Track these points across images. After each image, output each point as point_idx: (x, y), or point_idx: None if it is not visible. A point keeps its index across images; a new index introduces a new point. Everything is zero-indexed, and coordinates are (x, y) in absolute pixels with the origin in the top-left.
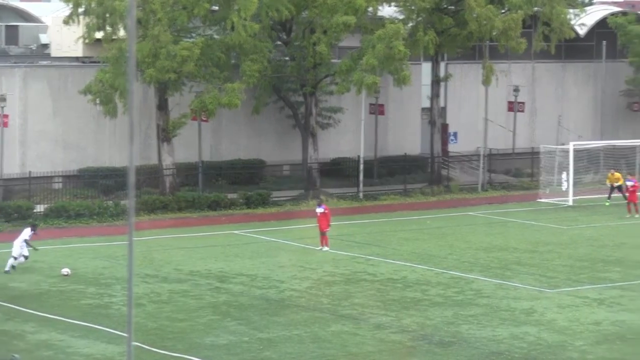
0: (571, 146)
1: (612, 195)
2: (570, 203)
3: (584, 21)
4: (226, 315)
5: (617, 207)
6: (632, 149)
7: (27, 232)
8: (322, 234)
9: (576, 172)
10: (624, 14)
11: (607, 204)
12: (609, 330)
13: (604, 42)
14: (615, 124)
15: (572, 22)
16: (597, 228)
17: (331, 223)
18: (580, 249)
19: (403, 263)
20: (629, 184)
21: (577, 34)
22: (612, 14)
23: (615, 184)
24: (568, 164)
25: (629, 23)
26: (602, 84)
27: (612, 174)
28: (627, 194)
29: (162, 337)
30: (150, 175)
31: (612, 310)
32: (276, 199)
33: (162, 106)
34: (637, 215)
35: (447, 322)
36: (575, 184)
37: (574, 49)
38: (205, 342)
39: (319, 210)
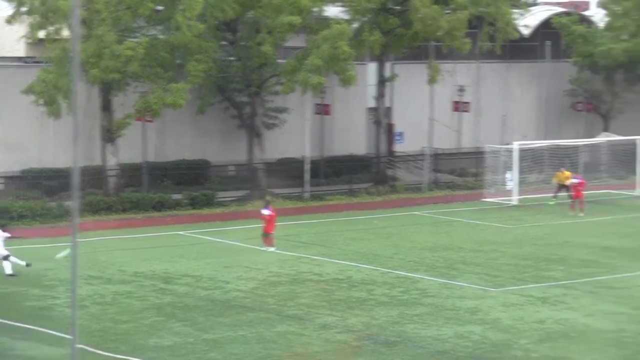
0: (516, 146)
1: (559, 194)
2: (515, 202)
3: (528, 21)
4: (171, 317)
5: (561, 206)
6: (576, 148)
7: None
8: (266, 236)
9: (521, 171)
10: (567, 14)
11: (552, 203)
12: (553, 328)
13: (548, 43)
14: (558, 124)
15: (517, 22)
16: (541, 227)
17: (277, 224)
18: (525, 248)
19: (349, 263)
20: (575, 181)
21: (521, 34)
22: (556, 15)
23: (567, 182)
24: (513, 164)
25: (572, 23)
26: (546, 84)
27: (562, 172)
28: (572, 192)
29: (106, 338)
30: (94, 176)
31: (555, 309)
32: (221, 199)
33: (106, 107)
34: (580, 214)
35: (393, 322)
36: (519, 183)
37: (519, 49)
38: (149, 343)
39: (265, 212)
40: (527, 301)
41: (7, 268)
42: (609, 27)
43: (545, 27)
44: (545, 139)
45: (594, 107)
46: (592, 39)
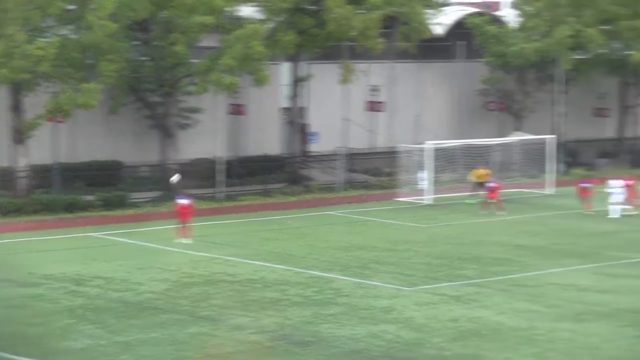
0: (429, 145)
1: (477, 192)
2: (429, 202)
3: (441, 21)
4: (82, 319)
5: (474, 205)
6: (488, 147)
7: None
8: (183, 225)
9: (434, 171)
10: (480, 14)
11: (471, 201)
12: (466, 326)
13: (461, 42)
14: (471, 123)
15: (430, 22)
16: (454, 226)
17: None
18: (438, 247)
19: (262, 263)
20: (491, 185)
21: (435, 34)
22: (469, 15)
23: (485, 182)
24: (426, 163)
25: (485, 23)
26: (459, 84)
27: (478, 170)
28: (487, 193)
29: (16, 342)
30: (3, 178)
31: (468, 307)
32: (134, 200)
33: (16, 107)
34: (501, 213)
35: (307, 322)
36: (433, 182)
37: (432, 49)
38: (61, 346)
39: (184, 201)
40: (440, 300)
41: None
42: (521, 27)
43: (459, 27)
44: (458, 139)
45: (506, 107)
46: (504, 39)
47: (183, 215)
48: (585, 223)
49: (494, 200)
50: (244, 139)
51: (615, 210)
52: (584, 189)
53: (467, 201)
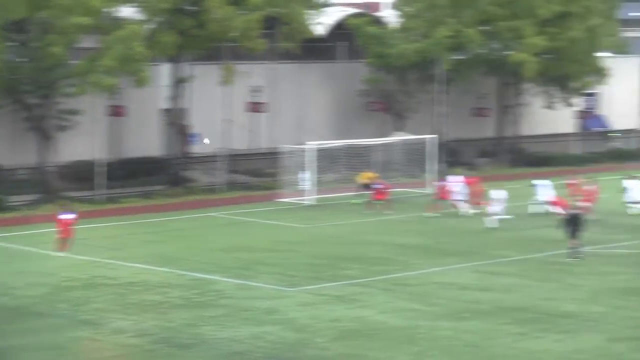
0: (311, 146)
1: (361, 192)
2: (311, 202)
3: (323, 22)
4: None
5: (360, 205)
6: (370, 147)
7: None
8: (63, 240)
9: (316, 171)
10: (361, 15)
11: (355, 201)
12: (349, 326)
13: (343, 43)
14: (353, 124)
15: (312, 23)
16: (337, 226)
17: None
18: (321, 247)
19: (143, 266)
20: (378, 187)
21: (316, 35)
22: (350, 15)
23: (371, 184)
24: (309, 164)
25: (366, 24)
26: (341, 85)
27: (365, 173)
28: (374, 193)
29: None
30: None
31: (351, 307)
32: (12, 203)
33: None
34: (386, 212)
35: (188, 324)
36: (315, 183)
37: (314, 49)
38: None
39: (65, 216)
40: (323, 300)
41: None
42: (401, 28)
43: (340, 28)
44: (340, 139)
45: (387, 107)
46: (385, 39)
47: (65, 231)
48: (466, 222)
49: (381, 201)
50: (124, 140)
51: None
52: (442, 189)
53: (352, 201)
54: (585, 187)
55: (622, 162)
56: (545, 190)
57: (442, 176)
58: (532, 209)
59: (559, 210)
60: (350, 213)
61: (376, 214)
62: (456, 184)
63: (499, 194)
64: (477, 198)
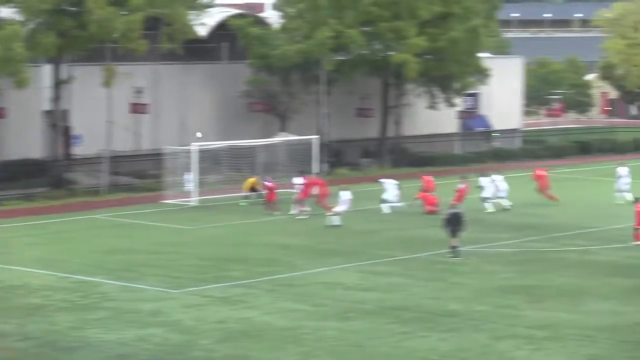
0: (194, 147)
1: (250, 194)
2: (195, 203)
3: (205, 23)
4: None
5: (236, 206)
6: (254, 148)
7: None
8: None
9: (200, 172)
10: (243, 16)
11: (243, 203)
12: (234, 327)
13: (225, 44)
14: (237, 125)
15: (194, 23)
16: (221, 227)
17: None
18: (205, 249)
19: (26, 269)
20: (268, 184)
21: (199, 35)
22: (232, 16)
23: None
24: (192, 165)
25: (248, 25)
26: (224, 86)
27: (251, 178)
28: (265, 193)
29: None
30: None
31: (236, 308)
32: None
33: None
34: (275, 213)
35: (73, 327)
36: (199, 184)
37: (197, 50)
38: None
39: None
40: (208, 301)
41: None
42: (283, 28)
43: (222, 29)
44: (223, 140)
45: (270, 108)
46: (268, 40)
47: None
48: (349, 222)
49: (272, 202)
50: (5, 142)
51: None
52: (308, 187)
53: (241, 203)
54: (459, 186)
55: (503, 161)
56: (391, 188)
57: (321, 176)
58: (385, 208)
59: (430, 208)
60: (234, 214)
61: (263, 214)
62: (298, 185)
63: (345, 195)
64: (322, 199)
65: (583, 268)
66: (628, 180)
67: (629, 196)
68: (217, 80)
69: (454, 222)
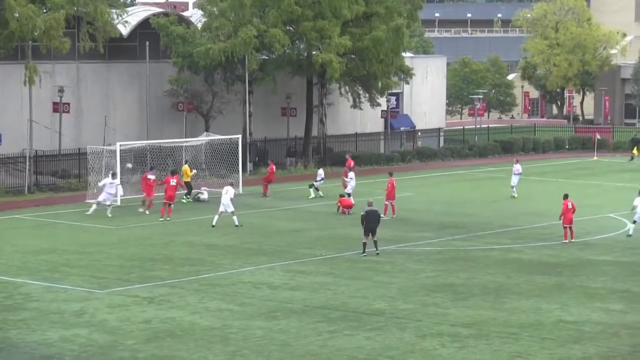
0: (118, 146)
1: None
2: (119, 203)
3: (128, 21)
4: None
5: (160, 205)
6: (179, 148)
7: None
8: None
9: (124, 172)
10: (166, 14)
11: (185, 201)
12: (159, 327)
13: (148, 43)
14: (161, 124)
15: (116, 22)
16: (146, 227)
17: None
18: (130, 249)
19: None
20: (151, 177)
21: (121, 34)
22: (155, 15)
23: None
24: (115, 164)
25: (171, 24)
26: (148, 84)
27: (185, 169)
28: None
29: None
30: None
31: (161, 308)
32: None
33: None
34: (146, 211)
35: None
36: (123, 183)
37: (119, 49)
38: None
39: None
40: (133, 302)
41: None
42: (206, 27)
43: (145, 28)
44: (147, 139)
45: (195, 107)
46: (191, 39)
47: None
48: (275, 221)
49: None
50: None
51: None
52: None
53: (183, 200)
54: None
55: (426, 160)
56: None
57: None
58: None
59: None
60: (159, 214)
61: (188, 213)
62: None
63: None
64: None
65: (507, 266)
66: (517, 178)
67: (514, 192)
68: (141, 79)
69: (370, 220)
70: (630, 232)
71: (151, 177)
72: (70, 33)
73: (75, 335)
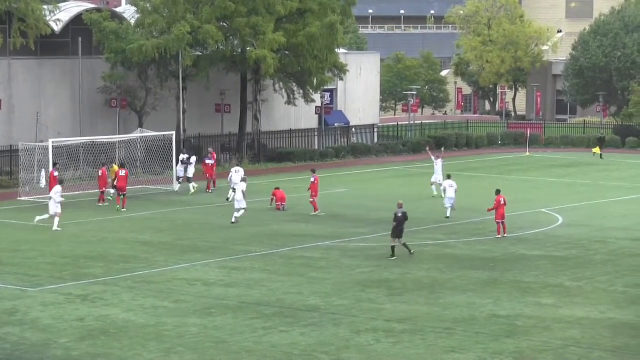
0: (50, 143)
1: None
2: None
3: (60, 17)
4: None
5: (94, 202)
6: (112, 144)
7: None
8: None
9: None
10: (98, 10)
11: (110, 198)
12: (93, 325)
13: (81, 39)
14: (94, 120)
15: (48, 18)
16: (79, 224)
17: None
18: (63, 246)
19: None
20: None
21: (53, 30)
22: (87, 11)
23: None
24: (48, 161)
25: (103, 20)
26: (81, 81)
27: (113, 167)
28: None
29: None
30: None
31: (95, 306)
32: None
33: None
34: (122, 209)
35: None
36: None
37: (51, 45)
38: None
39: None
40: (66, 300)
41: None
42: (139, 23)
43: (77, 24)
44: (81, 136)
45: (128, 104)
46: (124, 35)
47: None
48: (210, 218)
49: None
50: None
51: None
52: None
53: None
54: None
55: (360, 156)
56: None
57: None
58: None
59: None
60: (93, 211)
61: (119, 211)
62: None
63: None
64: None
65: (441, 261)
66: (439, 175)
67: (435, 189)
68: (74, 75)
69: (398, 222)
70: None
71: (56, 174)
72: (2, 29)
73: (8, 334)
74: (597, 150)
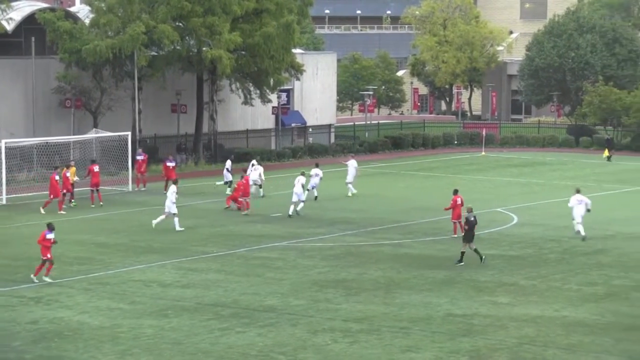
0: (2, 144)
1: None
2: (4, 202)
3: (12, 16)
4: None
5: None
6: (67, 145)
7: None
8: None
9: (9, 170)
10: (52, 10)
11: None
12: (47, 328)
13: (33, 39)
14: (48, 121)
15: (0, 17)
16: (32, 226)
17: None
18: (16, 248)
19: None
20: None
21: (5, 30)
22: (41, 10)
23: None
24: (0, 163)
25: (57, 19)
26: (34, 81)
27: (72, 168)
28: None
29: None
30: None
31: (49, 308)
32: None
33: None
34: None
35: None
36: (8, 182)
37: (3, 45)
38: None
39: None
40: (19, 302)
41: None
42: (94, 23)
43: (30, 23)
44: (34, 137)
45: (83, 104)
46: (78, 35)
47: None
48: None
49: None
50: None
51: None
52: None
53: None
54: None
55: (317, 156)
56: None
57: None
58: None
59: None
60: (47, 213)
61: (77, 212)
62: None
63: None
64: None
65: (397, 261)
66: (353, 174)
67: (351, 189)
68: (27, 75)
69: (470, 227)
70: (582, 233)
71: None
72: None
73: None
74: (606, 153)
